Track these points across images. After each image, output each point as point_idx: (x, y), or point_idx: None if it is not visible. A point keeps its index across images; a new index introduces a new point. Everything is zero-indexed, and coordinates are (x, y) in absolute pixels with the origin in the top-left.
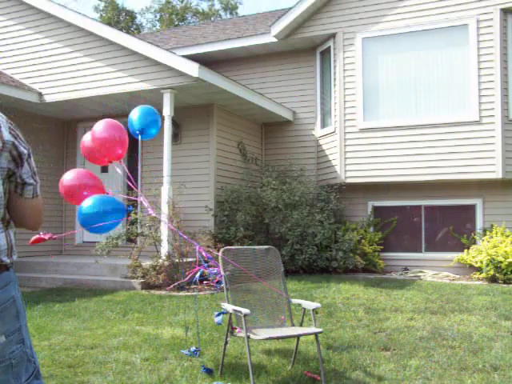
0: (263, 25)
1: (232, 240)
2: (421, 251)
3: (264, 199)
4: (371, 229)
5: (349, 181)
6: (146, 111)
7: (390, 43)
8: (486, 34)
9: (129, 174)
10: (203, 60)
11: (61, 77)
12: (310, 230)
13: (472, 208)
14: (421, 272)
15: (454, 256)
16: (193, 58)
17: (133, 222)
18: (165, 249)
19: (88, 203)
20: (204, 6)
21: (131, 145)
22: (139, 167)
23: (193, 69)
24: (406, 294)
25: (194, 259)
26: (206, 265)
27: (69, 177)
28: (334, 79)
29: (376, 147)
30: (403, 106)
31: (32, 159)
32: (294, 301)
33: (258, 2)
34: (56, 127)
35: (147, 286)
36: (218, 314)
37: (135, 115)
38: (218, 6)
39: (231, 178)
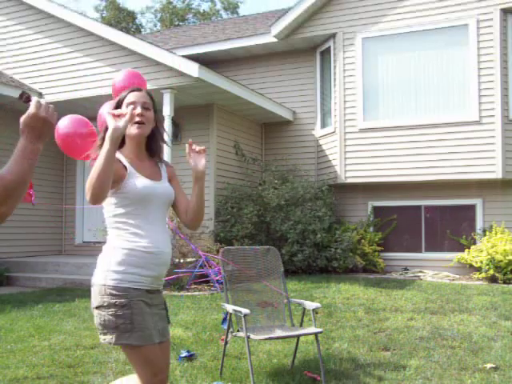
0: (263, 25)
1: (232, 239)
2: (421, 251)
3: (265, 198)
4: (371, 229)
5: (349, 181)
6: None
7: (390, 43)
8: (486, 34)
9: None
10: (203, 60)
11: (61, 77)
12: (310, 227)
13: (472, 208)
14: (421, 272)
15: (454, 256)
16: (193, 58)
17: None
18: None
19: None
20: (205, 7)
21: None
22: None
23: (193, 69)
24: (406, 294)
25: (194, 259)
26: (207, 269)
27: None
28: (334, 79)
29: (376, 147)
30: (403, 105)
31: None
32: (294, 301)
33: (259, 1)
34: None
35: None
36: (224, 320)
37: None
38: (219, 5)
39: (231, 178)
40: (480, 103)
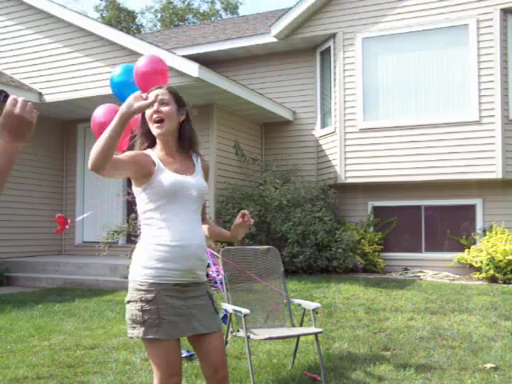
0: (263, 25)
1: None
2: (421, 251)
3: (267, 198)
4: (371, 229)
5: (349, 181)
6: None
7: (390, 43)
8: (486, 34)
9: None
10: (203, 60)
11: (61, 77)
12: (311, 227)
13: (472, 208)
14: (421, 272)
15: (454, 256)
16: (193, 58)
17: (135, 218)
18: None
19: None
20: (205, 7)
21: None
22: None
23: (193, 69)
24: (406, 294)
25: None
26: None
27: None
28: (334, 79)
29: (376, 147)
30: (403, 105)
31: None
32: (294, 301)
33: (259, 1)
34: (56, 127)
35: None
36: (224, 317)
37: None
38: (218, 5)
39: (231, 178)
40: (480, 103)
